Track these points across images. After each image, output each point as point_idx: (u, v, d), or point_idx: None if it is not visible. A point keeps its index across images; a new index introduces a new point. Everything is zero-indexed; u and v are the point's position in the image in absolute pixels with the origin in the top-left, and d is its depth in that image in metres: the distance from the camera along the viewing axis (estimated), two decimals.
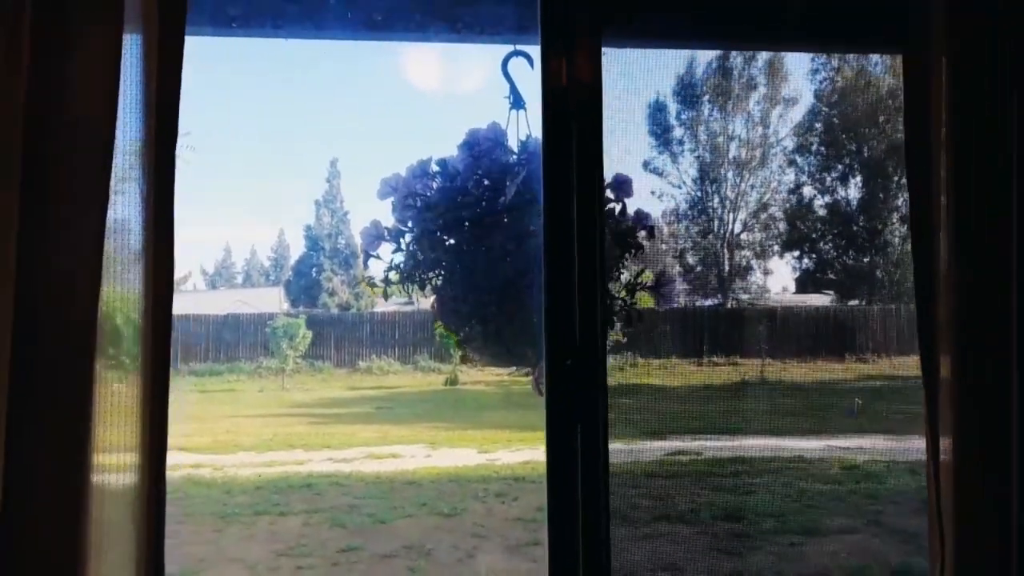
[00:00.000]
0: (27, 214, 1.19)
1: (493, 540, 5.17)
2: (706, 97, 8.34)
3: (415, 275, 1.59)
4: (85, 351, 1.20)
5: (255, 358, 9.96)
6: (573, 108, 1.51)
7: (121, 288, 1.28)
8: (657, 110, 7.86)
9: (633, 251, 1.58)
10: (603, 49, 1.52)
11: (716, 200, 8.74)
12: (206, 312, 10.22)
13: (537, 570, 4.78)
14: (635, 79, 1.74)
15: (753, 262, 9.04)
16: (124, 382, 1.27)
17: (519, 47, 1.61)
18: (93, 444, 1.22)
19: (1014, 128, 1.48)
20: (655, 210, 8.13)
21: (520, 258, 1.53)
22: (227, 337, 10.02)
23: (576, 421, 1.50)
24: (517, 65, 1.61)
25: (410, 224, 1.60)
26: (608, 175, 1.60)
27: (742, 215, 8.75)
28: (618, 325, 1.59)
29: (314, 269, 12.70)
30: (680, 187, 8.42)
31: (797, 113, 8.51)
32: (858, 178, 8.42)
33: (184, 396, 9.24)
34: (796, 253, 8.88)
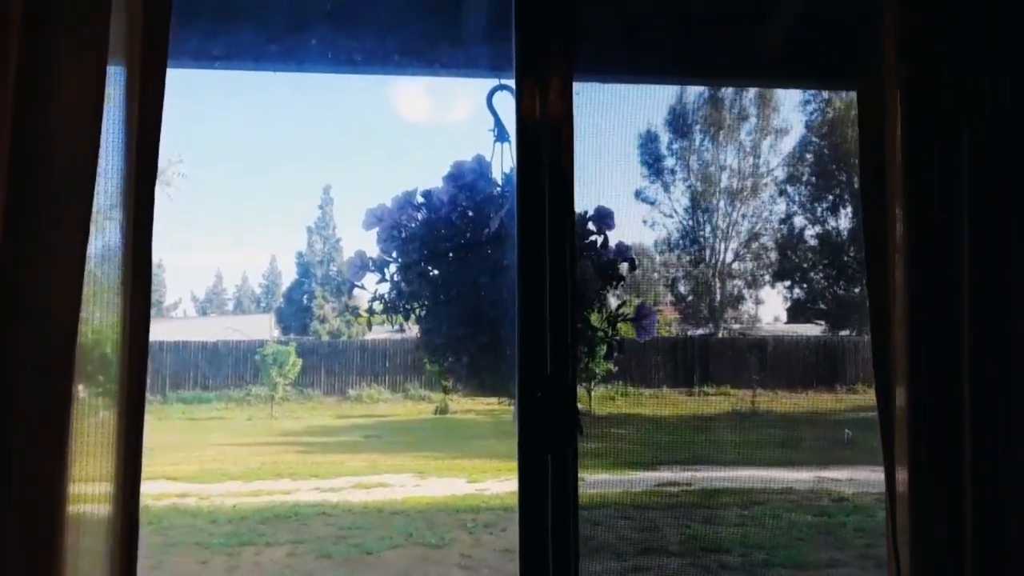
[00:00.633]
0: (9, 241, 1.19)
1: (480, 572, 5.10)
2: (697, 127, 8.43)
3: (399, 305, 1.60)
4: (63, 378, 1.20)
5: (244, 386, 9.90)
6: (546, 140, 1.52)
7: (111, 316, 1.28)
8: (649, 140, 7.95)
9: (615, 283, 1.59)
10: (580, 84, 1.54)
11: (708, 229, 8.79)
12: (196, 339, 10.16)
13: None
14: (619, 112, 1.76)
15: (744, 291, 9.07)
16: (110, 410, 1.28)
17: (503, 81, 1.63)
18: (70, 473, 1.22)
19: (965, 161, 1.51)
20: (647, 239, 8.16)
21: (501, 290, 1.54)
22: (216, 364, 9.97)
23: (547, 452, 1.49)
24: (502, 99, 1.63)
25: (395, 254, 1.60)
26: (594, 206, 1.61)
27: (734, 244, 8.81)
28: (601, 355, 1.59)
29: (305, 296, 12.66)
30: (672, 216, 8.48)
31: (788, 143, 8.61)
32: (848, 208, 8.50)
33: (171, 424, 9.17)
34: (787, 283, 8.92)
